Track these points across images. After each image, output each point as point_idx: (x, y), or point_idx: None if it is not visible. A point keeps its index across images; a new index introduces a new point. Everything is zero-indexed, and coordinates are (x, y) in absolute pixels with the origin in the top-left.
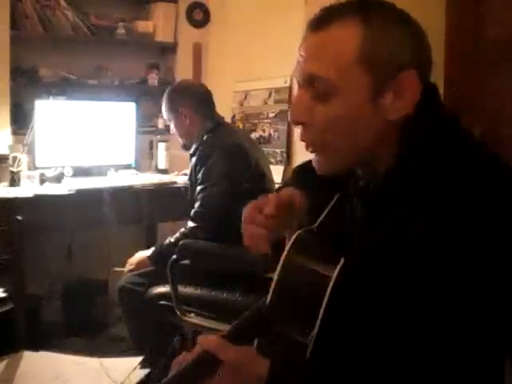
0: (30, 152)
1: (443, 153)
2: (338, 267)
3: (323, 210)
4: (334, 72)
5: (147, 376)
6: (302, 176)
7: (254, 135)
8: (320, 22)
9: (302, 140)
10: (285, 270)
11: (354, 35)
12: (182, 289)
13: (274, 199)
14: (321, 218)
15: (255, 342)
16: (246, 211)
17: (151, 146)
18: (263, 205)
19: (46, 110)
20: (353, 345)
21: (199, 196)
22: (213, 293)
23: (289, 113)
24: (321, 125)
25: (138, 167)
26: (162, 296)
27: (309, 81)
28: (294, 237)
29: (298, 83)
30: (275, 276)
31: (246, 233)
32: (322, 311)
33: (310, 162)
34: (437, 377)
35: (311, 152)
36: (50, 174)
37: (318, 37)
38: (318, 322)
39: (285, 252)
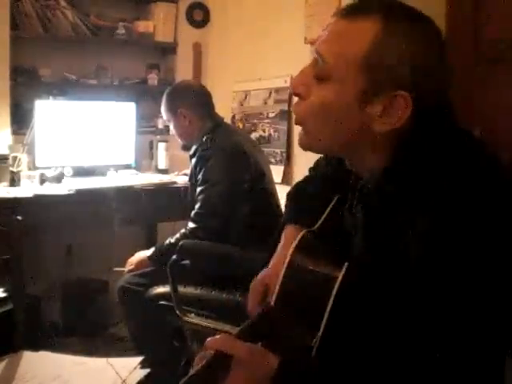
0: (30, 152)
1: (440, 156)
2: (343, 270)
3: (323, 212)
4: (335, 59)
5: (147, 376)
6: (297, 201)
7: (253, 135)
8: (348, 11)
9: (294, 111)
10: (289, 271)
11: (368, 35)
12: (181, 289)
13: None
14: (321, 220)
15: (259, 344)
16: (251, 297)
17: (151, 146)
18: (267, 288)
19: (46, 110)
20: (358, 347)
21: (199, 197)
22: (213, 293)
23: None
24: (310, 103)
25: (138, 167)
26: (162, 296)
27: (315, 59)
28: (298, 239)
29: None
30: (280, 277)
31: (249, 311)
32: (327, 313)
33: (301, 182)
34: (440, 378)
35: (295, 123)
36: (50, 174)
37: (340, 24)
38: (323, 323)
39: (289, 254)
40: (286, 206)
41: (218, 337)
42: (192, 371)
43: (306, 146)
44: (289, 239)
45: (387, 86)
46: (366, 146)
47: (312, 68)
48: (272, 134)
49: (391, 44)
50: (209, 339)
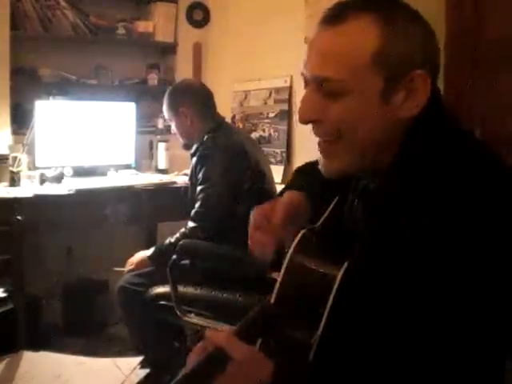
0: (30, 152)
1: (442, 152)
2: (343, 269)
3: (325, 210)
4: (347, 73)
5: (147, 376)
6: (302, 177)
7: (254, 135)
8: (333, 19)
9: (316, 135)
10: (289, 269)
11: (369, 35)
12: (181, 289)
13: (281, 208)
14: (323, 218)
15: (259, 341)
16: (254, 217)
17: (151, 146)
18: (270, 211)
19: (46, 110)
20: (357, 345)
21: (199, 196)
22: (213, 293)
23: (297, 111)
24: (334, 120)
25: (138, 167)
26: (162, 296)
27: (320, 80)
28: (299, 237)
29: (305, 78)
30: (280, 275)
31: (252, 239)
32: (326, 312)
33: (310, 164)
34: (440, 377)
35: (321, 151)
36: (50, 174)
37: (330, 34)
38: (323, 322)
39: (290, 252)
40: (292, 178)
41: (219, 332)
42: (190, 366)
43: (335, 172)
44: (288, 197)
45: (403, 71)
46: (386, 145)
47: (316, 91)
48: (272, 133)
49: (395, 33)
50: (209, 331)
